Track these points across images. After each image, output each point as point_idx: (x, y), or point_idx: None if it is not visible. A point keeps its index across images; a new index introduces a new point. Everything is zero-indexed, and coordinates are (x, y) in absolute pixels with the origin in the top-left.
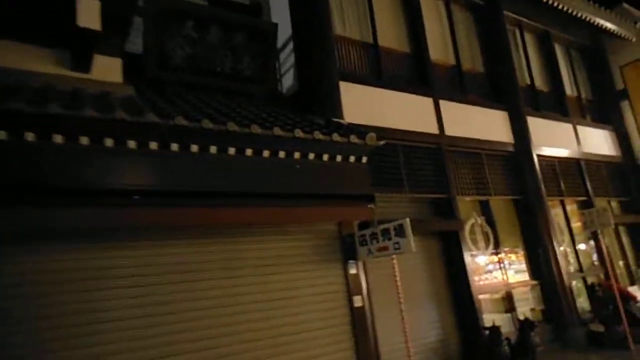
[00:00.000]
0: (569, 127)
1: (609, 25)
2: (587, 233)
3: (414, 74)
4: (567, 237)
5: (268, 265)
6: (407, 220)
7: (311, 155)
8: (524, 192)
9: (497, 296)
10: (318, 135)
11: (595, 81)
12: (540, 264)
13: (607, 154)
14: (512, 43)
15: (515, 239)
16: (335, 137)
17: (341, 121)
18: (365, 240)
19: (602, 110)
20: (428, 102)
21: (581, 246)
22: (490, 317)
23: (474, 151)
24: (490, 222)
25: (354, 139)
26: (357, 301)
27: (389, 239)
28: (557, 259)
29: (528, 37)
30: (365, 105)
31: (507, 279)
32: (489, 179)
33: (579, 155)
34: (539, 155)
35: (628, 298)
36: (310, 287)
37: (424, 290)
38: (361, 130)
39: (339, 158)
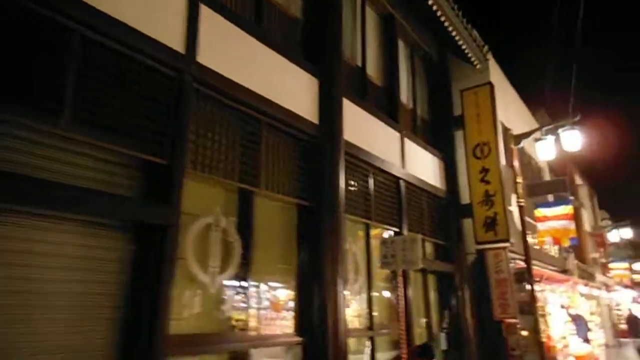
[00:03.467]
0: (395, 136)
1: (456, 33)
2: (392, 279)
3: None
4: (363, 278)
5: None
6: None
7: None
8: (315, 198)
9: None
10: None
11: (434, 100)
12: (313, 310)
13: (432, 184)
14: (349, 9)
15: (286, 268)
16: None
17: None
18: None
19: (436, 134)
20: None
21: (379, 294)
22: None
23: (248, 112)
24: (246, 231)
25: None
26: None
27: None
28: (337, 305)
29: (370, 14)
30: None
31: (248, 328)
32: (263, 161)
33: (400, 173)
34: (349, 154)
35: None
36: None
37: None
38: None
39: None
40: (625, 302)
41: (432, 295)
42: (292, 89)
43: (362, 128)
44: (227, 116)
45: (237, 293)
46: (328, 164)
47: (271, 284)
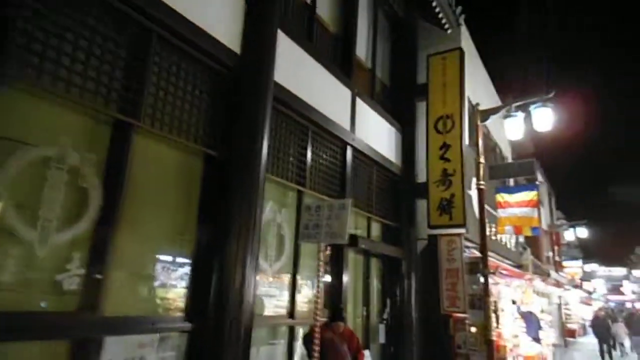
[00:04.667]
0: (346, 93)
1: None
2: (329, 259)
3: None
4: (288, 255)
5: None
6: None
7: None
8: (227, 149)
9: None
10: None
11: (397, 66)
12: (211, 290)
13: (386, 157)
14: None
15: (176, 234)
16: None
17: None
18: None
19: (395, 102)
20: None
21: (311, 276)
22: None
23: (129, 12)
24: (115, 178)
25: None
26: None
27: None
28: (244, 287)
29: None
30: None
31: (102, 308)
32: (152, 87)
33: (348, 138)
34: (280, 101)
35: None
36: None
37: None
38: None
39: None
40: (573, 301)
41: (375, 282)
42: (205, 2)
43: (303, 74)
44: (91, 11)
45: (91, 259)
46: (249, 106)
47: (149, 252)
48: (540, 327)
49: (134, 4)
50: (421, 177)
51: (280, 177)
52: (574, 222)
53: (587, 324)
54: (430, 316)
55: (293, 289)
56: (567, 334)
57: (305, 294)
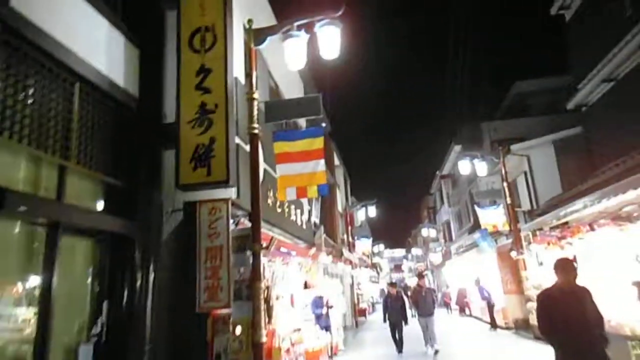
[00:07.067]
0: None
1: None
2: None
3: None
4: None
5: None
6: None
7: None
8: None
9: None
10: None
11: None
12: None
13: (104, 75)
14: None
15: None
16: None
17: None
18: None
19: (133, 8)
20: None
21: None
22: None
23: None
24: None
25: None
26: None
27: None
28: None
29: None
30: None
31: None
32: None
33: None
34: None
35: None
36: None
37: None
38: None
39: None
40: (364, 280)
41: (77, 279)
42: None
43: None
44: None
45: None
46: None
47: None
48: (326, 307)
49: None
50: (173, 117)
51: None
52: (366, 202)
53: (377, 301)
54: (179, 319)
55: None
56: (358, 313)
57: None
